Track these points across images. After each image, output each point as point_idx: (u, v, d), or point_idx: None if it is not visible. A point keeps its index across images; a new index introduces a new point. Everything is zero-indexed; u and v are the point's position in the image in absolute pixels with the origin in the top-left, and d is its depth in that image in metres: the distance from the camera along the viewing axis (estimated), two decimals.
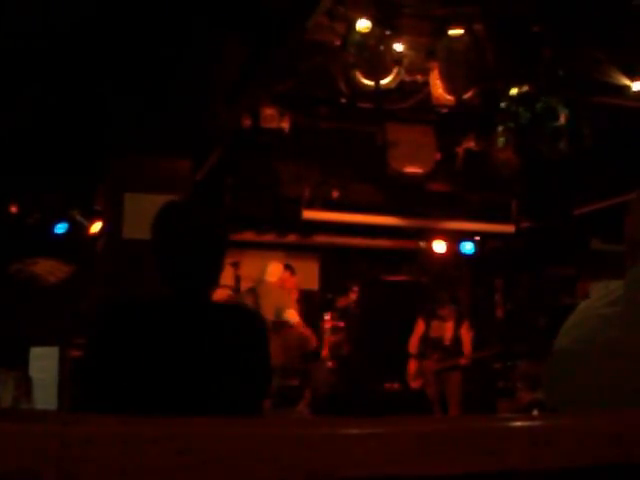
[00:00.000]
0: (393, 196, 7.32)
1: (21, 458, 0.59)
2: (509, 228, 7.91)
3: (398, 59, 4.78)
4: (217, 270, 1.95)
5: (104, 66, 4.56)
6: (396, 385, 7.49)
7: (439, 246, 8.47)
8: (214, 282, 1.98)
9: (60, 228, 7.22)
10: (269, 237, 8.26)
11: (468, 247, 8.62)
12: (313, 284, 8.92)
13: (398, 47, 4.76)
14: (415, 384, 7.05)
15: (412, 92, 5.48)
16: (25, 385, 2.84)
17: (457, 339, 7.03)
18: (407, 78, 5.11)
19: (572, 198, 7.47)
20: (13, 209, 6.88)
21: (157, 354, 1.78)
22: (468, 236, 8.50)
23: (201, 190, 6.13)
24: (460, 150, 6.79)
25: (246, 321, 1.95)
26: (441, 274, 8.33)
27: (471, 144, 6.65)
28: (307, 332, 6.66)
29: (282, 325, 6.55)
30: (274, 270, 6.78)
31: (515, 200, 7.78)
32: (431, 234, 8.33)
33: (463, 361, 6.97)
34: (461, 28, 4.60)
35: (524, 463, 0.74)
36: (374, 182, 7.15)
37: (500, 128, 5.49)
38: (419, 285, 8.81)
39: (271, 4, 4.23)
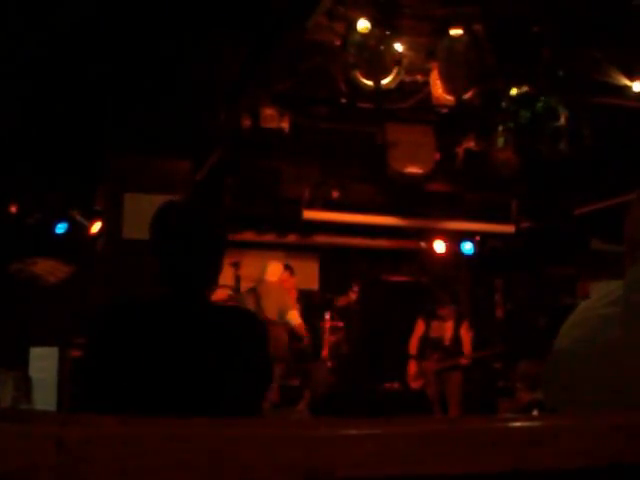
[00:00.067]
0: (393, 196, 7.32)
1: (19, 459, 0.59)
2: (509, 228, 7.91)
3: (398, 59, 4.78)
4: (216, 270, 1.95)
5: (104, 66, 4.56)
6: (396, 385, 7.49)
7: (439, 246, 8.47)
8: (213, 282, 1.98)
9: (60, 228, 7.22)
10: (269, 237, 8.26)
11: (468, 247, 8.62)
12: (313, 284, 8.92)
13: (398, 47, 4.76)
14: (415, 384, 7.05)
15: (412, 92, 5.48)
16: (25, 385, 2.84)
17: (457, 339, 7.03)
18: (407, 78, 5.11)
19: (572, 198, 7.47)
20: (13, 209, 6.87)
21: (156, 354, 1.78)
22: (468, 236, 8.50)
23: (201, 190, 6.13)
24: (460, 150, 6.79)
25: (245, 322, 1.95)
26: (441, 274, 8.33)
27: (471, 144, 6.65)
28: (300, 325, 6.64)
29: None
30: (274, 270, 6.79)
31: (515, 200, 7.78)
32: (431, 234, 8.33)
33: (463, 361, 6.97)
34: (461, 28, 4.60)
35: (524, 463, 0.74)
36: (374, 182, 7.15)
37: (500, 128, 5.49)
38: (419, 285, 8.82)
39: (271, 4, 4.23)
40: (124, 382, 1.74)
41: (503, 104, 5.18)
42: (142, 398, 1.72)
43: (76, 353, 3.94)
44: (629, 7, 4.21)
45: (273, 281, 6.73)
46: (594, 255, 7.74)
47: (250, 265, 7.52)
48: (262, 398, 1.93)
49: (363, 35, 4.59)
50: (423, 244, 8.60)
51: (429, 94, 5.22)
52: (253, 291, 6.73)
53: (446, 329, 7.07)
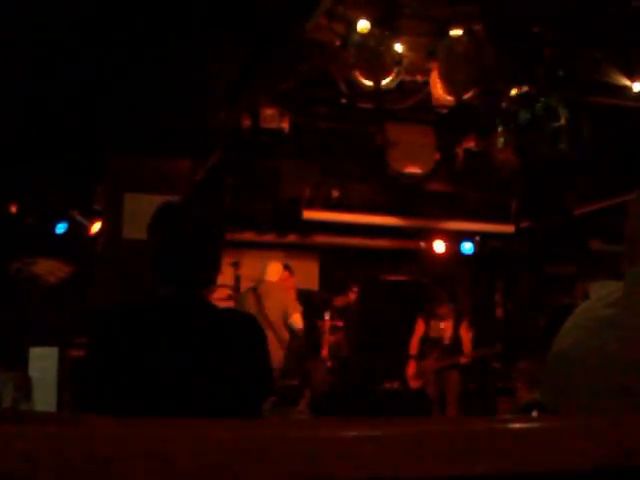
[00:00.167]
0: (393, 196, 7.32)
1: (19, 460, 0.59)
2: (509, 228, 7.91)
3: (398, 59, 4.78)
4: (214, 270, 1.95)
5: (104, 65, 4.56)
6: (396, 384, 7.50)
7: (439, 246, 8.47)
8: (212, 282, 1.98)
9: (60, 228, 7.22)
10: (269, 237, 8.27)
11: (468, 247, 8.63)
12: (313, 284, 8.92)
13: (398, 47, 4.76)
14: (415, 384, 7.05)
15: (412, 92, 5.47)
16: (25, 385, 2.84)
17: (456, 338, 7.04)
18: (407, 78, 5.11)
19: (572, 198, 7.47)
20: (13, 209, 6.87)
21: (156, 357, 1.78)
22: (468, 236, 8.50)
23: (201, 190, 6.13)
24: (460, 150, 6.79)
25: (244, 324, 1.95)
26: (440, 273, 8.33)
27: (471, 144, 6.65)
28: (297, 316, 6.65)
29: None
30: (274, 270, 6.78)
31: (515, 200, 7.78)
32: (431, 234, 8.33)
33: (463, 360, 6.97)
34: (461, 28, 4.60)
35: (524, 465, 0.74)
36: (374, 182, 7.16)
37: (500, 128, 5.49)
38: (419, 285, 8.82)
39: (271, 4, 4.23)
40: (124, 384, 1.74)
41: (503, 104, 5.18)
42: (142, 400, 1.72)
43: (76, 353, 3.94)
44: (629, 8, 4.21)
45: (274, 281, 6.73)
46: (593, 255, 7.75)
47: (250, 265, 7.52)
48: (262, 401, 1.92)
49: (363, 35, 4.59)
50: (423, 244, 8.60)
51: (429, 94, 5.22)
52: (253, 291, 6.73)
53: (445, 328, 7.07)
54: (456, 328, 7.07)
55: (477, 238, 8.57)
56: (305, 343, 7.17)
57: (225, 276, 7.06)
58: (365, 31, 4.58)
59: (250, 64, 4.83)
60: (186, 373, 1.76)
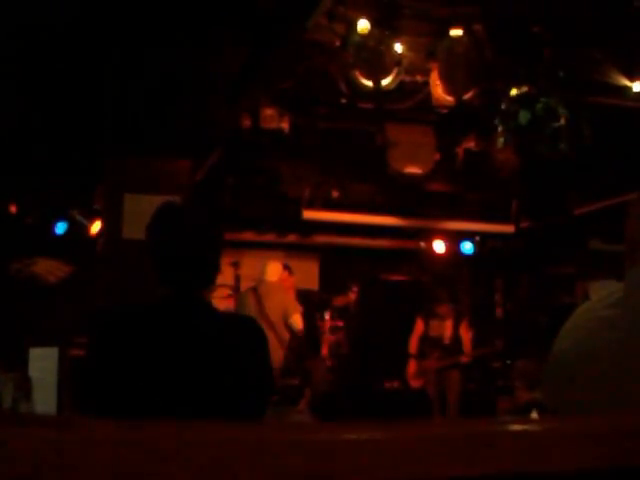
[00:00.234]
0: (393, 196, 7.32)
1: (19, 463, 0.59)
2: (509, 228, 7.91)
3: (398, 59, 4.78)
4: (214, 270, 1.95)
5: (104, 65, 4.56)
6: (396, 384, 7.50)
7: (439, 246, 8.48)
8: (211, 282, 1.98)
9: (60, 228, 7.22)
10: (269, 237, 8.27)
11: (468, 247, 8.63)
12: (313, 284, 8.93)
13: (398, 47, 4.76)
14: (416, 383, 7.06)
15: (412, 92, 5.47)
16: (25, 386, 2.84)
17: (456, 338, 7.04)
18: (407, 78, 5.11)
19: (572, 198, 7.47)
20: (13, 209, 6.87)
21: (156, 360, 1.77)
22: (468, 236, 8.51)
23: (201, 190, 6.13)
24: (460, 150, 6.79)
25: (244, 325, 1.95)
26: (441, 273, 8.33)
27: (471, 144, 6.65)
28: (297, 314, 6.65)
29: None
30: (274, 270, 6.79)
31: (515, 200, 7.78)
32: (431, 234, 8.34)
33: (464, 359, 6.98)
34: (461, 29, 4.60)
35: (524, 466, 0.74)
36: (374, 182, 7.15)
37: (500, 128, 5.49)
38: (418, 285, 8.82)
39: (271, 4, 4.23)
40: (124, 385, 1.74)
41: (503, 104, 5.17)
42: (142, 403, 1.72)
43: (76, 352, 3.94)
44: (629, 8, 4.21)
45: (274, 281, 6.73)
46: (593, 255, 7.75)
47: (250, 265, 7.53)
48: (264, 402, 1.91)
49: (363, 35, 4.59)
50: (423, 244, 8.61)
51: (429, 94, 5.21)
52: (254, 291, 6.73)
53: (445, 328, 7.08)
54: (456, 328, 7.07)
55: (477, 238, 8.58)
56: (305, 343, 7.18)
57: (225, 276, 7.06)
58: (365, 31, 4.57)
59: (250, 64, 4.83)
60: (186, 374, 1.76)
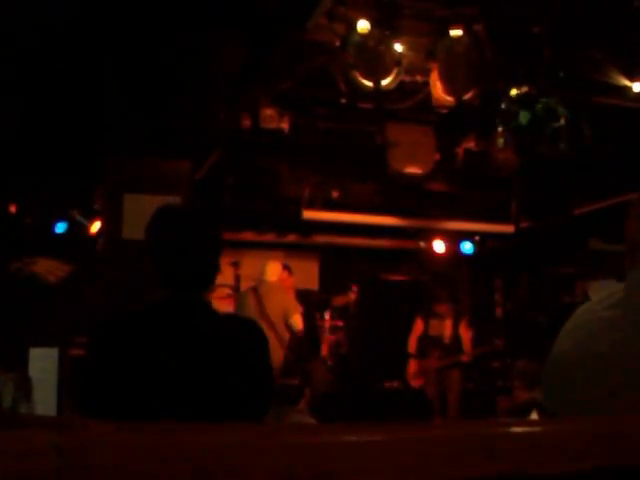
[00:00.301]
0: (393, 196, 7.32)
1: (19, 465, 0.59)
2: (508, 228, 7.91)
3: (398, 59, 4.78)
4: (213, 271, 1.95)
5: (104, 66, 4.56)
6: (395, 384, 7.50)
7: (439, 246, 8.47)
8: (210, 283, 1.98)
9: (59, 228, 7.22)
10: (269, 237, 8.27)
11: (468, 247, 8.63)
12: (313, 284, 8.92)
13: (398, 47, 4.76)
14: (416, 383, 7.06)
15: (412, 92, 5.47)
16: (25, 386, 2.84)
17: (456, 337, 7.04)
18: (407, 78, 5.11)
19: (572, 198, 7.47)
20: (13, 209, 6.87)
21: (155, 360, 1.77)
22: (468, 236, 8.50)
23: (201, 190, 6.12)
24: (460, 150, 6.79)
25: (244, 327, 1.95)
26: (441, 273, 8.33)
27: (471, 144, 6.65)
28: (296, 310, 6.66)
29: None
30: (273, 270, 6.79)
31: (515, 200, 7.78)
32: (431, 234, 8.33)
33: (464, 358, 6.98)
34: (461, 29, 4.60)
35: (524, 467, 0.74)
36: (374, 182, 7.15)
37: (500, 128, 5.49)
38: (418, 284, 8.82)
39: (271, 4, 4.23)
40: (124, 388, 1.74)
41: (503, 104, 5.17)
42: (142, 405, 1.71)
43: (76, 352, 3.94)
44: (629, 8, 4.21)
45: (274, 281, 6.73)
46: (593, 255, 7.75)
47: (250, 265, 7.53)
48: (264, 404, 1.91)
49: (363, 35, 4.59)
50: (423, 244, 8.60)
51: (429, 94, 5.21)
52: (254, 290, 6.73)
53: (445, 327, 7.08)
54: (455, 327, 7.08)
55: (477, 238, 8.57)
56: (305, 343, 7.18)
57: (225, 276, 7.06)
58: (365, 31, 4.57)
59: (250, 64, 4.83)
60: (186, 375, 1.76)
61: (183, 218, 1.95)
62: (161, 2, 4.09)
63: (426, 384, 7.01)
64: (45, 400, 3.01)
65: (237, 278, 7.60)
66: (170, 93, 4.83)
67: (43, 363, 3.20)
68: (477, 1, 4.58)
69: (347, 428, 0.68)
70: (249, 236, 8.09)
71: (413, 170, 6.36)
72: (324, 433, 0.69)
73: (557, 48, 4.75)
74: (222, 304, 7.17)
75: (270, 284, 6.68)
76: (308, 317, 7.30)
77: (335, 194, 7.26)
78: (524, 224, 7.95)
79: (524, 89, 4.99)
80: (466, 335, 7.11)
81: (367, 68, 4.73)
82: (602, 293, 1.33)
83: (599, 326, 1.26)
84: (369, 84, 4.80)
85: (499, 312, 9.02)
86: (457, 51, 4.66)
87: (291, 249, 8.46)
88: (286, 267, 7.02)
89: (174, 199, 4.50)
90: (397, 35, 4.70)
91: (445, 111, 5.59)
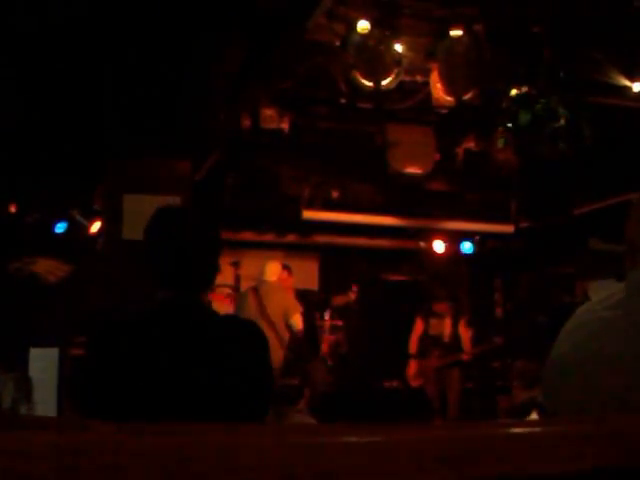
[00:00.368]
0: (393, 196, 7.32)
1: (17, 465, 0.59)
2: (508, 228, 7.91)
3: (398, 59, 4.78)
4: (212, 271, 1.95)
5: (104, 66, 4.56)
6: (395, 383, 7.50)
7: (439, 246, 8.48)
8: (210, 283, 1.98)
9: (59, 227, 7.22)
10: (269, 237, 8.27)
11: (467, 247, 8.63)
12: (313, 284, 8.92)
13: (398, 47, 4.76)
14: (416, 383, 7.06)
15: (412, 92, 5.47)
16: (25, 386, 2.84)
17: (456, 336, 7.05)
18: (407, 78, 5.11)
19: (572, 198, 7.48)
20: (13, 209, 6.87)
21: (155, 362, 1.77)
22: (468, 236, 8.51)
23: (201, 190, 6.12)
24: (460, 150, 6.79)
25: (244, 328, 1.95)
26: (440, 273, 8.33)
27: (471, 144, 6.65)
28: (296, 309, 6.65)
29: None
30: (273, 270, 6.79)
31: (514, 200, 7.78)
32: (431, 234, 8.34)
33: (464, 357, 6.98)
34: (461, 29, 4.60)
35: (525, 468, 0.74)
36: (374, 182, 7.15)
37: (500, 128, 5.49)
38: (418, 284, 8.82)
39: (271, 4, 4.23)
40: (124, 389, 1.74)
41: (503, 104, 5.18)
42: (142, 406, 1.71)
43: (76, 352, 3.94)
44: (629, 8, 4.21)
45: (274, 281, 6.73)
46: (593, 255, 7.75)
47: (250, 264, 7.53)
48: (265, 405, 1.91)
49: (363, 35, 4.59)
50: (423, 244, 8.61)
51: (429, 94, 5.22)
52: (254, 290, 6.73)
53: (445, 326, 7.09)
54: (455, 326, 7.08)
55: (477, 238, 8.58)
56: (305, 343, 7.18)
57: (225, 276, 7.06)
58: (365, 31, 4.57)
59: (250, 64, 4.83)
60: (186, 376, 1.76)
61: (182, 219, 1.95)
62: (161, 2, 4.09)
63: (426, 383, 7.01)
64: (45, 400, 3.01)
65: (237, 278, 7.60)
66: (170, 93, 4.83)
67: (43, 363, 3.20)
68: (477, 1, 4.58)
69: (347, 428, 0.68)
70: (249, 236, 8.09)
71: (413, 170, 6.36)
72: (324, 433, 0.69)
73: (557, 48, 4.75)
74: (222, 304, 7.17)
75: (270, 284, 6.68)
76: (308, 317, 7.30)
77: (335, 194, 7.26)
78: (524, 224, 7.96)
79: (524, 89, 4.99)
80: (465, 334, 7.12)
81: (367, 68, 4.73)
82: (602, 293, 1.33)
83: (599, 326, 1.26)
84: (369, 84, 4.80)
85: (499, 312, 9.02)
86: (457, 51, 4.66)
87: (291, 249, 8.46)
88: (286, 267, 7.02)
89: (174, 199, 4.51)
90: (397, 35, 4.70)
91: (445, 111, 5.60)
